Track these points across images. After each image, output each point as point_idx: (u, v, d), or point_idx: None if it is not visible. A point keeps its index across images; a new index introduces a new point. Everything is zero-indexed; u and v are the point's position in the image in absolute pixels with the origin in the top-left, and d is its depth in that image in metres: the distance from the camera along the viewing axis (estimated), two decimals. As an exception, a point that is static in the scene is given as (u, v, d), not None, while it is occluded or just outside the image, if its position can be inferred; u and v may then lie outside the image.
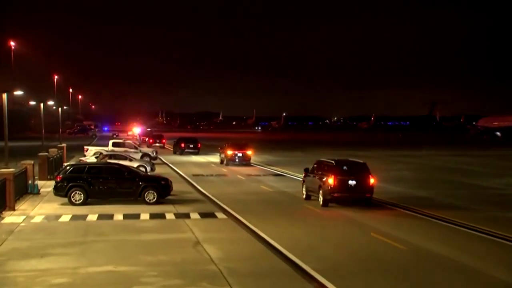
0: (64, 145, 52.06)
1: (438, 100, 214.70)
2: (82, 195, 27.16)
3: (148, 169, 41.03)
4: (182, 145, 69.01)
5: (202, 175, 42.92)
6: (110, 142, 56.67)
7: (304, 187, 30.10)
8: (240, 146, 53.76)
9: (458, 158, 64.17)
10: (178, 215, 24.38)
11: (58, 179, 27.74)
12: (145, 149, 57.61)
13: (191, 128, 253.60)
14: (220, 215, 24.68)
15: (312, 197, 28.86)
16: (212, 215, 24.55)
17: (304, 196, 29.68)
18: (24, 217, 24.03)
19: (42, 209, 26.10)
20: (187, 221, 23.10)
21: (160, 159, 57.80)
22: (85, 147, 55.45)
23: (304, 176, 30.41)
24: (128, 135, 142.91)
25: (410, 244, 18.94)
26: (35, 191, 31.22)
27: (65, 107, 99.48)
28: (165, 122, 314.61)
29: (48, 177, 37.93)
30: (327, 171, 27.49)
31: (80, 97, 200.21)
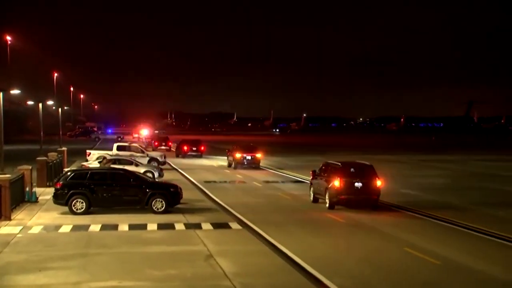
0: (64, 149, 52.36)
1: (475, 99, 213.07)
2: (84, 204, 27.30)
3: (156, 175, 41.16)
4: (185, 147, 71.38)
5: (215, 181, 43.02)
6: (115, 145, 56.95)
7: (311, 190, 32.16)
8: (249, 149, 55.67)
9: (497, 163, 63.60)
10: (188, 226, 24.41)
11: (58, 186, 27.90)
12: (153, 153, 57.86)
13: (202, 130, 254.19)
14: (234, 225, 24.67)
15: (320, 200, 30.80)
16: (225, 226, 24.55)
17: (312, 199, 31.72)
18: (21, 227, 24.19)
19: (40, 219, 26.26)
20: (198, 232, 23.12)
21: (169, 164, 57.98)
22: (88, 151, 55.78)
23: (312, 179, 32.38)
24: (133, 138, 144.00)
25: (444, 258, 18.79)
26: (33, 199, 31.42)
27: (65, 108, 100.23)
28: (174, 123, 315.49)
29: (47, 183, 38.16)
30: (333, 173, 29.63)
31: (82, 96, 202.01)
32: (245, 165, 54.04)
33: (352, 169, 29.51)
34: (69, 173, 28.77)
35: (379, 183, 29.12)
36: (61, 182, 28.03)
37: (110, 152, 53.76)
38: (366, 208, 28.86)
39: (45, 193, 34.35)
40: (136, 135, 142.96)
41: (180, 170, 52.18)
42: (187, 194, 32.55)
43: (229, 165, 56.07)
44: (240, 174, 48.61)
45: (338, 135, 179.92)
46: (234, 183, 42.45)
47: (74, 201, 27.30)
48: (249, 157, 54.29)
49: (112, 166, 37.83)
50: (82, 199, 27.32)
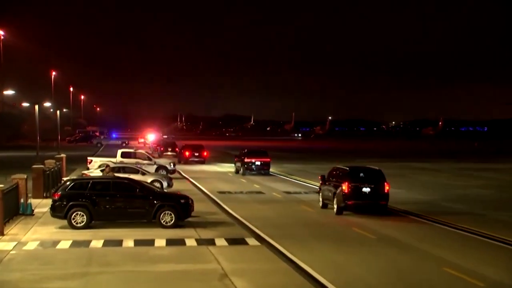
0: (63, 155, 52.75)
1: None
2: (84, 217, 27.44)
3: (165, 184, 41.33)
4: (186, 153, 74.87)
5: (230, 192, 43.20)
6: (119, 152, 57.25)
7: (320, 195, 35.02)
8: (258, 154, 59.26)
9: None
10: (200, 241, 24.47)
11: (56, 197, 28.05)
12: (161, 161, 58.04)
13: (216, 134, 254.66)
14: (252, 241, 24.70)
15: (329, 206, 33.47)
16: (242, 242, 24.57)
17: (321, 205, 34.63)
18: (15, 243, 24.34)
19: (36, 234, 26.42)
20: (211, 248, 23.17)
21: (179, 173, 58.17)
22: (89, 158, 56.13)
23: (321, 184, 35.06)
24: (139, 143, 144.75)
25: (488, 279, 18.64)
26: (28, 212, 31.62)
27: (64, 110, 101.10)
28: (185, 127, 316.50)
29: (44, 194, 38.44)
30: (341, 178, 32.33)
31: (82, 98, 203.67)
32: (254, 171, 57.10)
33: (360, 174, 32.08)
34: (68, 183, 28.94)
35: (387, 188, 31.79)
36: (59, 193, 28.16)
37: (113, 160, 54.07)
38: (376, 214, 31.34)
39: (42, 205, 34.60)
40: (141, 140, 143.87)
41: (191, 179, 52.34)
42: (199, 206, 32.64)
43: (237, 172, 59.11)
44: (258, 184, 48.67)
45: (367, 140, 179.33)
46: (251, 194, 42.52)
47: (74, 214, 27.44)
48: (258, 163, 57.39)
49: (116, 175, 37.97)
50: (83, 212, 27.46)
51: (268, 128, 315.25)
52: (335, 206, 32.11)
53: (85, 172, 45.04)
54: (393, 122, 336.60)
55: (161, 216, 27.73)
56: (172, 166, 55.57)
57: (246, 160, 57.62)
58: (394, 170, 65.77)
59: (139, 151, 59.75)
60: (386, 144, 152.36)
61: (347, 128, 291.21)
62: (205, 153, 75.53)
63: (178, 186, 44.97)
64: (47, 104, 74.60)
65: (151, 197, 28.03)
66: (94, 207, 27.60)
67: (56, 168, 43.91)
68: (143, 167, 47.25)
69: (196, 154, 74.73)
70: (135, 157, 55.85)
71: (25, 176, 33.74)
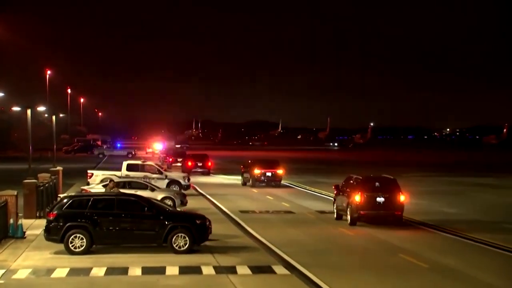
0: (59, 168, 53.00)
1: None
2: (84, 240, 27.53)
3: (178, 202, 41.37)
4: (189, 163, 79.32)
5: (254, 211, 43.27)
6: (124, 164, 57.35)
7: (334, 206, 38.73)
8: (269, 164, 63.92)
9: None
10: (219, 269, 24.48)
11: (51, 217, 28.14)
12: (174, 174, 57.94)
13: (237, 144, 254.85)
14: (279, 269, 24.66)
15: (344, 217, 36.95)
16: (268, 270, 24.54)
17: (335, 216, 38.37)
18: (3, 271, 24.42)
19: (28, 260, 26.54)
20: (232, 277, 23.18)
21: (195, 189, 58.21)
22: (89, 171, 56.35)
23: (335, 194, 38.77)
24: (147, 153, 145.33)
25: None
26: (19, 234, 31.76)
27: (61, 115, 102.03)
28: (201, 135, 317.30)
29: (37, 214, 38.59)
30: (354, 187, 36.04)
31: (82, 101, 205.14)
32: (264, 182, 61.80)
33: (374, 183, 35.96)
34: (65, 200, 29.05)
35: (402, 198, 35.66)
36: (55, 212, 28.27)
37: (118, 173, 54.25)
38: (389, 224, 35.24)
39: (35, 227, 34.74)
40: (149, 150, 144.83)
41: (208, 196, 52.35)
42: (218, 228, 32.65)
43: (244, 183, 63.62)
44: (286, 202, 48.60)
45: (416, 150, 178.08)
46: (279, 213, 42.49)
47: (72, 237, 27.50)
48: (269, 174, 61.84)
49: (121, 191, 38.10)
50: (82, 234, 27.53)
51: (298, 137, 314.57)
52: (349, 217, 36.03)
53: (85, 187, 45.16)
54: (448, 129, 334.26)
55: (174, 239, 27.74)
56: (186, 181, 55.50)
57: (256, 170, 61.75)
58: (450, 186, 65.40)
59: (148, 163, 59.73)
60: (439, 155, 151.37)
61: (392, 136, 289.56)
62: (209, 163, 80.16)
63: (193, 204, 45.03)
64: (41, 108, 74.97)
65: (161, 217, 28.08)
66: (95, 228, 27.66)
67: (51, 183, 44.10)
68: (153, 182, 47.29)
69: (200, 164, 79.23)
70: (143, 170, 55.85)
71: (15, 193, 33.84)
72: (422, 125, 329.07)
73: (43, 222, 30.89)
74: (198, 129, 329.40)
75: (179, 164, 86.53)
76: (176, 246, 27.69)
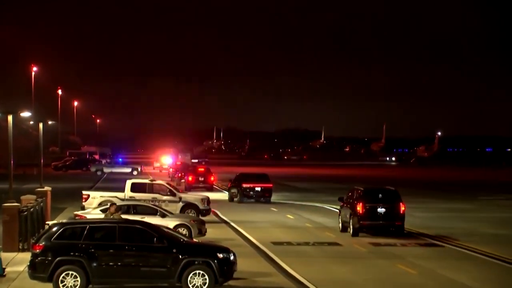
0: (47, 189, 53.10)
1: None
2: (78, 279, 27.43)
3: (194, 231, 41.23)
4: (189, 178, 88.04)
5: (290, 243, 43.03)
6: (128, 183, 57.24)
7: (339, 218, 47.48)
8: (258, 178, 72.71)
9: None
10: (247, 317, 24.32)
11: (38, 250, 28.11)
12: (190, 196, 57.49)
13: (269, 157, 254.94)
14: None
15: (348, 229, 45.33)
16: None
17: (340, 228, 46.95)
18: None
19: (8, 303, 26.61)
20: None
21: (215, 215, 57.96)
22: (85, 192, 56.36)
23: (340, 207, 47.59)
24: (154, 168, 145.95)
25: None
26: (-2, 271, 31.85)
27: (50, 122, 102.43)
28: (224, 147, 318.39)
29: (20, 246, 38.61)
30: (356, 199, 44.89)
31: (76, 104, 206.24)
32: (252, 198, 70.43)
33: (375, 195, 45.12)
34: (55, 229, 28.98)
35: (403, 208, 44.43)
36: (42, 244, 28.24)
37: (120, 195, 54.18)
38: (391, 235, 43.60)
39: (17, 262, 34.72)
40: (157, 165, 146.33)
41: (232, 224, 52.18)
42: (246, 264, 32.58)
43: (231, 199, 71.98)
44: (331, 232, 48.34)
45: (497, 166, 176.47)
46: (322, 245, 42.30)
47: (63, 275, 27.42)
48: (258, 189, 70.34)
49: (124, 217, 38.08)
50: (76, 272, 27.43)
51: (346, 149, 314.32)
52: (351, 228, 44.64)
53: (80, 213, 45.27)
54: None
55: (190, 277, 27.58)
56: (205, 205, 55.12)
57: (244, 185, 70.31)
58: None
59: (158, 182, 59.62)
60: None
61: (465, 147, 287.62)
62: (211, 178, 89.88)
63: (214, 233, 44.98)
64: (25, 114, 75.25)
65: (175, 250, 27.93)
66: (92, 264, 27.56)
67: (37, 208, 44.12)
68: (163, 206, 47.21)
69: (201, 179, 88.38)
70: (151, 191, 55.71)
71: (-7, 219, 34.01)
72: (502, 135, 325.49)
73: (27, 256, 30.87)
74: (220, 140, 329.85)
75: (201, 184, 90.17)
76: (193, 286, 27.55)
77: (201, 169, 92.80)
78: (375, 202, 44.25)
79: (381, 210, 43.88)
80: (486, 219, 57.38)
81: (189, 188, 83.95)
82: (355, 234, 44.13)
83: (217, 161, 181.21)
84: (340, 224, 46.98)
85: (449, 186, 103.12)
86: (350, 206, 45.21)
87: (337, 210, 63.27)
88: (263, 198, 70.30)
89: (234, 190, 71.65)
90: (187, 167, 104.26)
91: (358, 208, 43.80)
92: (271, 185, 71.63)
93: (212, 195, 68.71)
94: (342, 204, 47.25)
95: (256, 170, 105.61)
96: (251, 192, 70.24)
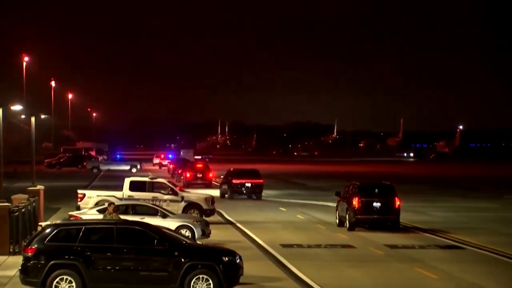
0: (40, 187, 53.23)
1: None
2: (73, 284, 27.52)
3: (198, 233, 41.33)
4: (187, 174, 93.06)
5: (300, 245, 43.18)
6: (127, 181, 57.28)
7: (337, 213, 51.61)
8: (248, 174, 77.06)
9: None
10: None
11: (30, 253, 28.19)
12: (193, 195, 57.42)
13: (278, 153, 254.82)
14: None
15: (345, 224, 49.00)
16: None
17: (337, 223, 51.11)
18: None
19: (-1, 310, 26.72)
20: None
21: (220, 215, 57.96)
22: (80, 191, 56.43)
23: (337, 202, 51.93)
24: (154, 164, 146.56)
25: None
26: (-13, 276, 31.97)
27: (42, 116, 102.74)
28: (229, 142, 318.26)
29: (11, 248, 38.72)
30: (352, 193, 48.99)
31: (70, 97, 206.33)
32: (243, 194, 75.20)
33: (371, 189, 49.23)
34: (48, 230, 29.06)
35: (398, 203, 48.34)
36: (34, 246, 28.33)
37: (118, 194, 54.26)
38: (386, 229, 47.30)
39: (7, 266, 34.88)
40: (157, 161, 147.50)
41: (238, 225, 52.24)
42: (253, 267, 32.66)
43: (222, 195, 75.93)
44: (343, 233, 48.38)
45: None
46: (334, 248, 42.41)
47: (57, 280, 27.52)
48: (248, 184, 74.78)
49: (123, 217, 38.17)
50: (71, 276, 27.53)
51: (361, 144, 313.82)
52: (347, 222, 48.55)
53: (75, 213, 45.41)
54: None
55: (193, 282, 27.66)
56: (210, 204, 55.14)
57: (234, 181, 75.01)
58: None
59: (159, 180, 59.64)
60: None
61: (490, 142, 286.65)
62: (210, 174, 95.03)
63: (218, 235, 45.13)
64: (16, 107, 75.40)
65: (176, 253, 28.02)
66: (88, 268, 27.65)
67: (29, 208, 44.26)
68: (164, 206, 47.29)
69: (200, 175, 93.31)
70: (151, 190, 55.74)
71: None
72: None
73: (18, 259, 30.98)
74: (225, 135, 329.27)
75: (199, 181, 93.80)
76: (197, 291, 27.66)
77: (200, 165, 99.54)
78: (371, 196, 48.38)
79: (376, 204, 48.04)
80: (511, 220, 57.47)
81: (188, 184, 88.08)
82: (351, 228, 48.07)
83: (222, 158, 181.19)
84: (337, 219, 51.12)
85: (472, 184, 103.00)
86: (346, 200, 49.20)
87: None
88: (254, 194, 75.09)
89: (225, 187, 76.43)
90: (186, 163, 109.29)
91: (354, 203, 47.79)
92: (261, 181, 76.16)
93: (211, 192, 69.06)
94: (339, 199, 51.68)
95: (264, 167, 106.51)
96: (242, 188, 74.95)
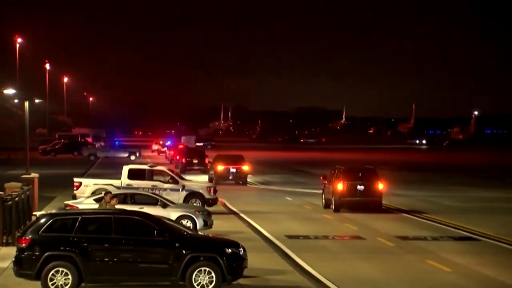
0: (34, 175, 53.25)
1: None
2: (69, 276, 27.52)
3: (199, 223, 41.33)
4: (183, 161, 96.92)
5: (307, 236, 43.22)
6: (125, 169, 57.24)
7: (323, 195, 57.28)
8: (234, 160, 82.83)
9: None
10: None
11: (24, 244, 28.22)
12: (194, 184, 57.36)
13: (284, 140, 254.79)
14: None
15: (331, 206, 54.36)
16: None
17: (323, 205, 56.62)
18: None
19: (-9, 304, 26.73)
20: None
21: (223, 205, 57.97)
22: (76, 179, 56.42)
23: (324, 185, 57.28)
24: (153, 151, 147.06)
25: None
26: (-21, 268, 31.97)
27: (36, 101, 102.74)
28: (232, 129, 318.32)
29: (4, 239, 38.76)
30: (338, 177, 54.37)
31: (66, 80, 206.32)
32: (229, 180, 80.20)
33: (355, 173, 54.96)
34: (43, 221, 29.05)
35: (381, 186, 54.26)
36: (28, 237, 28.34)
37: (116, 182, 54.27)
38: (370, 211, 52.65)
39: (0, 257, 34.88)
40: (156, 147, 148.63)
41: (242, 215, 52.23)
42: (257, 259, 32.73)
43: (210, 181, 77.95)
44: (351, 223, 48.37)
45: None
46: (342, 240, 42.50)
47: (52, 272, 27.52)
48: (233, 170, 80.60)
49: (121, 207, 38.16)
50: (67, 268, 27.52)
51: (370, 130, 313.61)
52: (333, 204, 53.79)
53: (70, 202, 45.42)
54: None
55: (194, 275, 27.67)
56: (211, 194, 55.06)
57: (219, 166, 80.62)
58: None
59: (159, 167, 59.63)
60: None
61: (506, 129, 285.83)
62: (207, 160, 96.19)
63: (221, 225, 45.16)
64: (9, 91, 75.42)
65: (177, 244, 28.02)
66: (84, 260, 27.65)
67: (23, 197, 44.30)
68: (164, 195, 47.29)
69: (195, 161, 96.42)
70: (151, 178, 55.73)
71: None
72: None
73: (12, 250, 31.00)
74: (229, 120, 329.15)
75: (195, 167, 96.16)
76: (198, 285, 27.66)
77: (196, 151, 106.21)
78: (355, 179, 54.15)
79: (360, 187, 53.81)
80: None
81: (184, 170, 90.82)
82: (336, 210, 53.61)
83: (225, 145, 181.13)
84: (324, 201, 56.78)
85: (488, 172, 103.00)
86: (332, 184, 54.64)
87: None
88: (239, 179, 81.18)
89: (212, 172, 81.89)
90: (182, 150, 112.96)
91: (339, 186, 53.41)
92: (246, 166, 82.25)
93: (206, 178, 76.51)
94: (325, 182, 57.28)
95: (269, 155, 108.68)
96: (228, 173, 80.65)
